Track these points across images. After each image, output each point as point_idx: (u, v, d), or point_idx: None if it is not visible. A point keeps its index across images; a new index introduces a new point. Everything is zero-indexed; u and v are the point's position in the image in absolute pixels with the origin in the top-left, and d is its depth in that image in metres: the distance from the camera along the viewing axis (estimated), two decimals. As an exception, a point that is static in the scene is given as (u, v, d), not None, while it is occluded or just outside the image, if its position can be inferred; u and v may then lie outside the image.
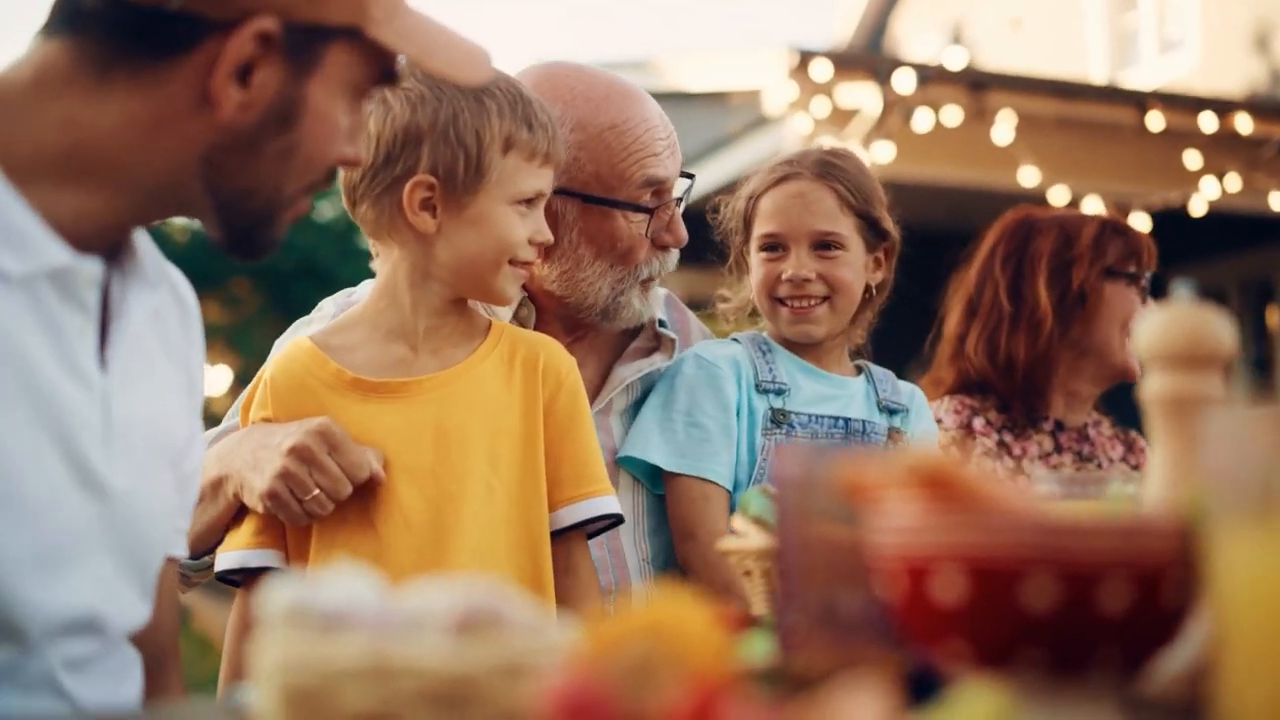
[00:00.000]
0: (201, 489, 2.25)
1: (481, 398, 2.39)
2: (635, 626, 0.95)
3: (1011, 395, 3.48)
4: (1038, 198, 9.25)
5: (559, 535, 2.43)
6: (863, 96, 9.75)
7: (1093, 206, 8.71)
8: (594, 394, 2.77)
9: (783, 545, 1.30)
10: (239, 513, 2.41)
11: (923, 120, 9.54)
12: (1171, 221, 9.34)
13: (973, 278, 3.58)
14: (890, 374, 2.98)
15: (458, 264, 2.37)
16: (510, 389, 2.41)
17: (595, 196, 2.69)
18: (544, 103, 2.44)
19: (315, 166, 1.77)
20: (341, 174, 2.32)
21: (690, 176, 2.83)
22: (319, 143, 1.74)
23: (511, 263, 2.38)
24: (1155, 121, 10.00)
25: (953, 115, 9.69)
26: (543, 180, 2.41)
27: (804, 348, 2.87)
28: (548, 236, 2.43)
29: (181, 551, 2.00)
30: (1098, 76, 15.03)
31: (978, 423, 3.46)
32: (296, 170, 1.74)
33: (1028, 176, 9.60)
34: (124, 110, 1.63)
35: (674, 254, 2.80)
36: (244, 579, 2.41)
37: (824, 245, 2.81)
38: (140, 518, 1.76)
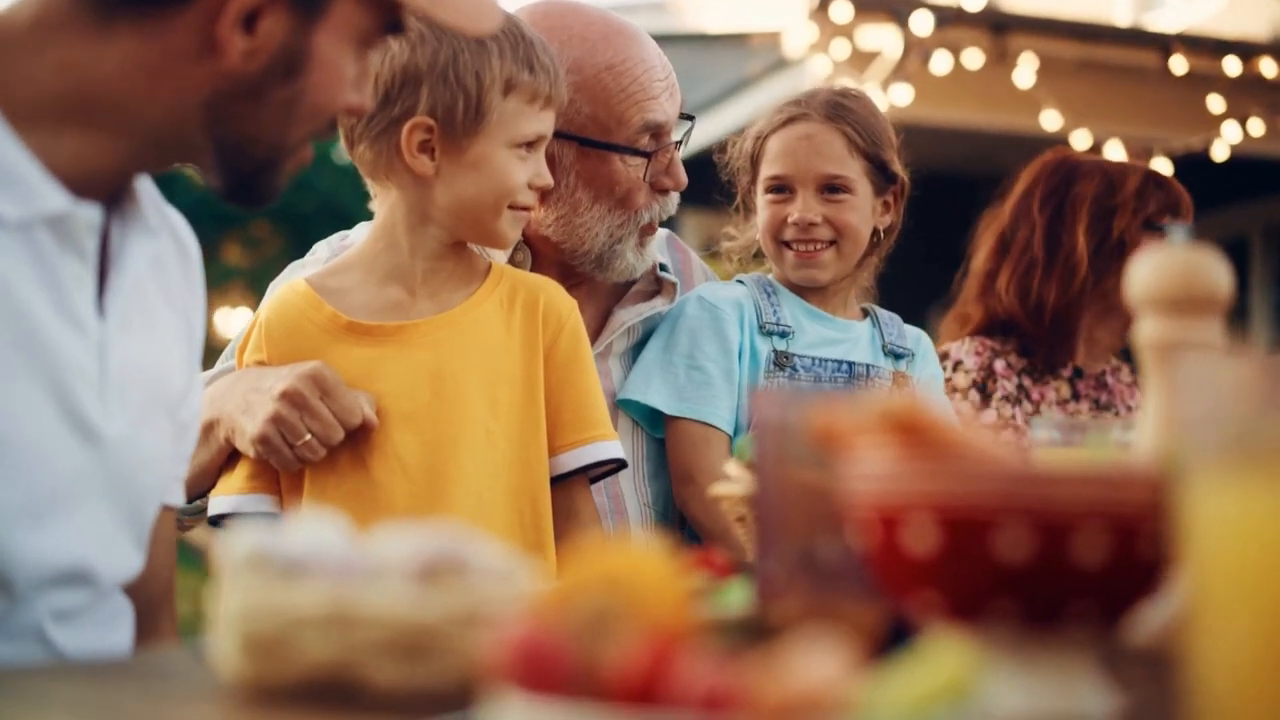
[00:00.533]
0: None
1: (480, 341, 2.36)
2: (593, 577, 0.93)
3: (1038, 339, 3.44)
4: (1059, 141, 9.15)
5: (560, 480, 2.42)
6: (883, 38, 9.66)
7: (1114, 151, 8.64)
8: (593, 338, 2.74)
9: (761, 492, 1.27)
10: (232, 456, 2.39)
11: (943, 63, 9.46)
12: (1193, 166, 9.22)
13: (1007, 216, 3.52)
14: (896, 317, 2.95)
15: (456, 207, 2.34)
16: (510, 332, 2.39)
17: (592, 140, 2.65)
18: (546, 43, 2.40)
19: (320, 115, 1.74)
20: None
21: (690, 118, 2.79)
22: (324, 91, 1.71)
23: (511, 207, 2.35)
24: (1178, 65, 9.90)
25: (974, 58, 9.60)
26: (543, 123, 2.37)
27: (809, 290, 2.83)
28: (548, 180, 2.40)
29: (178, 500, 1.98)
30: (1121, 19, 14.87)
31: (999, 365, 3.42)
32: (301, 119, 1.72)
33: (1049, 120, 9.51)
34: (126, 55, 1.60)
35: (674, 198, 2.76)
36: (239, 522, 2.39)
37: (831, 189, 2.77)
38: (135, 465, 1.74)
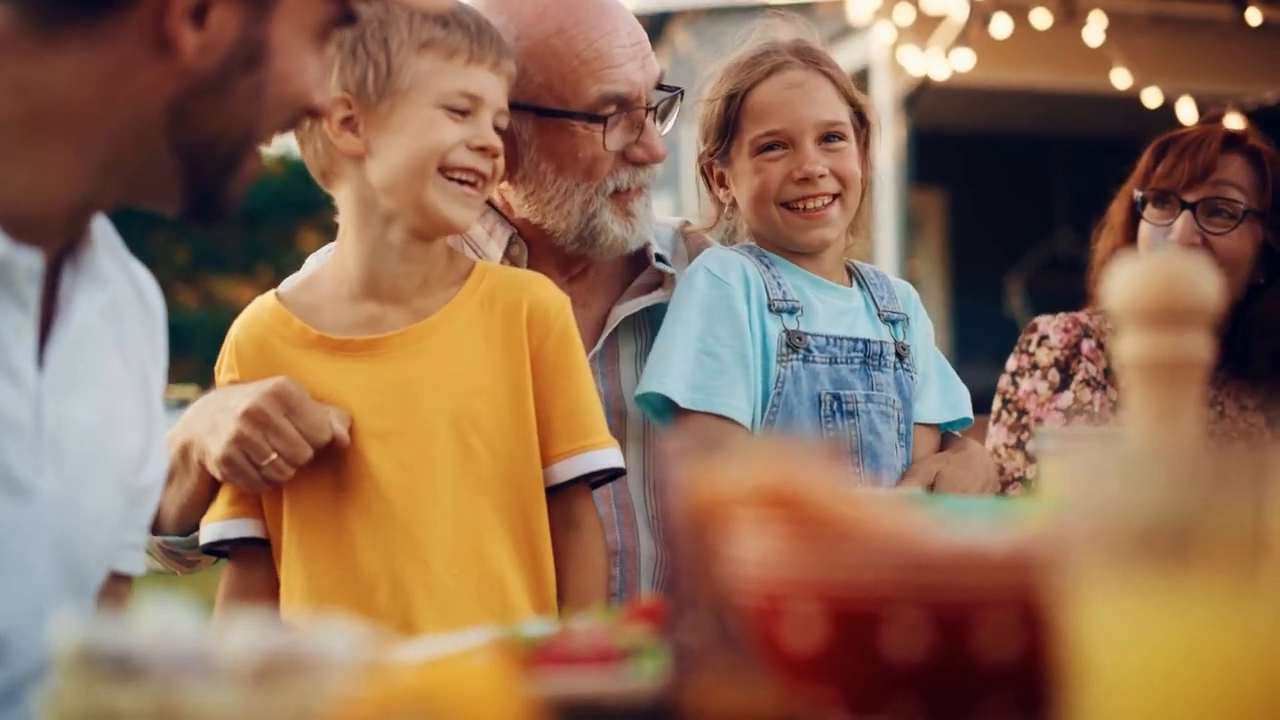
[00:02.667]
0: (171, 460, 2.15)
1: (457, 351, 2.25)
2: (407, 695, 0.80)
3: None
4: (1130, 100, 8.95)
5: (559, 490, 2.30)
6: (949, 1, 9.45)
7: (1186, 108, 8.41)
8: (595, 337, 2.60)
9: (670, 554, 1.14)
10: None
11: (1006, 25, 9.23)
12: (1269, 121, 8.94)
13: None
14: (881, 273, 2.76)
15: (390, 181, 2.21)
16: (490, 338, 2.27)
17: (547, 109, 2.50)
18: (469, 4, 2.30)
19: (285, 107, 1.64)
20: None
21: (670, 90, 2.61)
22: (289, 82, 1.62)
23: (445, 172, 2.21)
24: (1254, 16, 9.59)
25: (1042, 18, 9.37)
26: (472, 80, 2.22)
27: (803, 256, 2.64)
28: (491, 140, 2.24)
29: (133, 569, 1.87)
30: (1197, -30, 14.58)
31: (1086, 345, 3.20)
32: (268, 110, 1.62)
33: (1120, 79, 9.26)
34: (78, 66, 1.51)
35: (654, 168, 2.60)
36: (231, 549, 2.32)
37: (829, 138, 2.58)
38: (74, 526, 1.63)
